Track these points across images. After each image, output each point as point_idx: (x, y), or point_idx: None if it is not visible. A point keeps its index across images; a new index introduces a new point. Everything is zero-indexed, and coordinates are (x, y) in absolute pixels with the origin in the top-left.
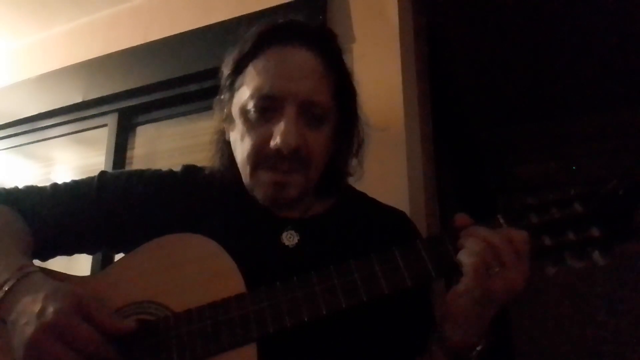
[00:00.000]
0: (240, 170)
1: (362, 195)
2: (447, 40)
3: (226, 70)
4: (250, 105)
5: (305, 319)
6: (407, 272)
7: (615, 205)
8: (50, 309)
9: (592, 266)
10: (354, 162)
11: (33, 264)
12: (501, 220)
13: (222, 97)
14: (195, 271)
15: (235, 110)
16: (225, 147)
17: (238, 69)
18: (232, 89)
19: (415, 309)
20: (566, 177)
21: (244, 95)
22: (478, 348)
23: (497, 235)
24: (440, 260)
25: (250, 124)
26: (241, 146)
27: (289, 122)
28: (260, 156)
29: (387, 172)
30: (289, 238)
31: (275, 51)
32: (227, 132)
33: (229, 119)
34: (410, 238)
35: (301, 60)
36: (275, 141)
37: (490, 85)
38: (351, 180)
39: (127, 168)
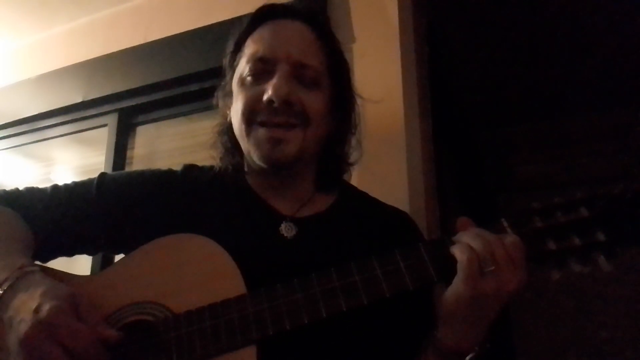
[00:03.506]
0: (237, 135)
1: (364, 195)
2: (447, 40)
3: (228, 51)
4: (246, 71)
5: (306, 321)
6: (409, 275)
7: (622, 210)
8: (46, 307)
9: (599, 271)
10: (353, 146)
11: (33, 264)
12: (505, 224)
13: (224, 80)
14: (195, 272)
15: (234, 82)
16: (227, 131)
17: (238, 47)
18: (232, 66)
19: (416, 311)
20: (566, 177)
21: (241, 65)
22: (471, 355)
23: (490, 234)
24: (442, 264)
25: (245, 87)
26: (236, 109)
27: (281, 76)
28: (253, 112)
29: (387, 173)
30: (288, 230)
31: (270, 23)
32: (228, 115)
33: (229, 95)
34: (413, 238)
35: (293, 28)
36: (267, 93)
37: (490, 85)
38: (352, 179)
39: (127, 168)
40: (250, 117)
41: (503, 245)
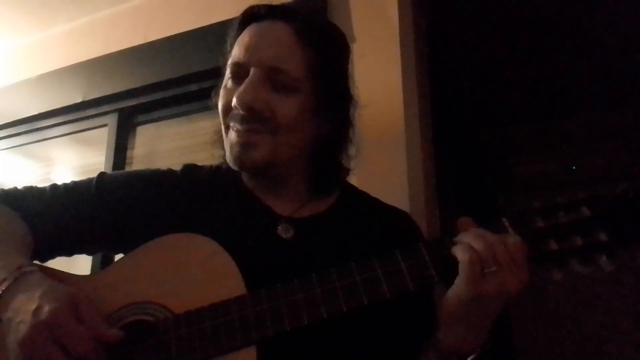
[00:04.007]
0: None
1: (364, 195)
2: (447, 40)
3: (226, 52)
4: (227, 75)
5: (306, 322)
6: (409, 275)
7: (624, 209)
8: (46, 308)
9: (599, 271)
10: (353, 151)
11: (32, 264)
12: (506, 224)
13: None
14: (195, 271)
15: (222, 86)
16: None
17: (230, 49)
18: (225, 69)
19: (417, 312)
20: (566, 177)
21: (227, 68)
22: (472, 356)
23: (491, 235)
24: (443, 264)
25: (225, 91)
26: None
27: (247, 83)
28: (226, 117)
29: (387, 172)
30: (285, 231)
31: (252, 26)
32: None
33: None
34: (413, 239)
35: (271, 30)
36: (233, 101)
37: (490, 85)
38: (352, 178)
39: (127, 168)
40: (225, 121)
41: (505, 245)
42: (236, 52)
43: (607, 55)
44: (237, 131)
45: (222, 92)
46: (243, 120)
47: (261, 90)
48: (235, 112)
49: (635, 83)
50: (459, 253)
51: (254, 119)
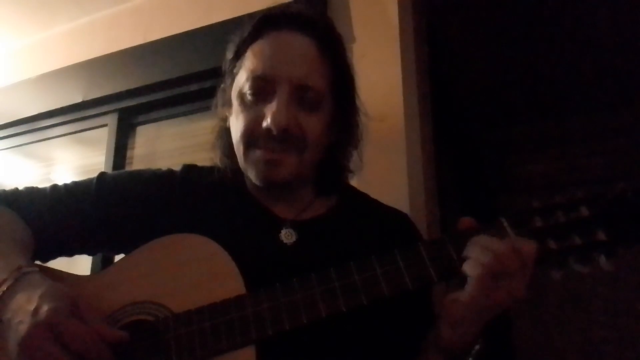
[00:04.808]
0: (236, 151)
1: (364, 196)
2: (447, 40)
3: (228, 55)
4: (246, 88)
5: (305, 322)
6: (408, 275)
7: (622, 209)
8: (45, 308)
9: (598, 271)
10: (354, 156)
11: (32, 264)
12: (505, 224)
13: (223, 84)
14: (195, 272)
15: (234, 94)
16: (225, 135)
17: (238, 54)
18: (232, 74)
19: (416, 310)
20: (566, 177)
21: (241, 78)
22: (475, 349)
23: (503, 245)
24: (442, 264)
25: (245, 106)
26: (236, 127)
27: (280, 102)
28: (252, 136)
29: (387, 173)
30: (287, 236)
31: (272, 35)
32: (227, 119)
33: (228, 103)
34: (412, 240)
35: (297, 45)
36: (266, 121)
37: (490, 85)
38: (352, 179)
39: (127, 168)
40: (249, 140)
41: (519, 253)
42: (258, 64)
43: (607, 55)
44: (267, 149)
45: (240, 105)
46: (275, 140)
47: (292, 109)
48: (265, 131)
49: (635, 83)
50: (468, 269)
51: (285, 138)
